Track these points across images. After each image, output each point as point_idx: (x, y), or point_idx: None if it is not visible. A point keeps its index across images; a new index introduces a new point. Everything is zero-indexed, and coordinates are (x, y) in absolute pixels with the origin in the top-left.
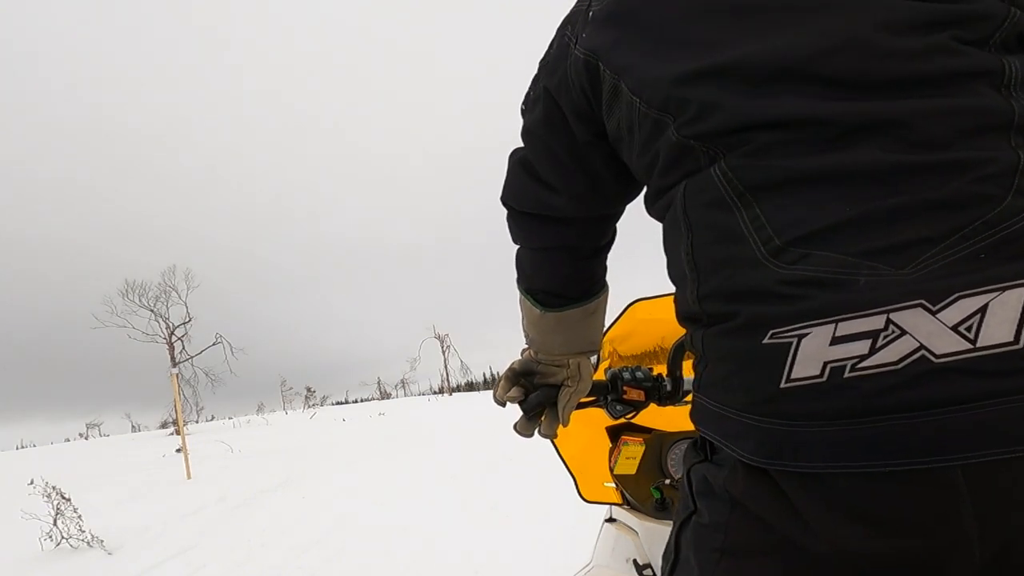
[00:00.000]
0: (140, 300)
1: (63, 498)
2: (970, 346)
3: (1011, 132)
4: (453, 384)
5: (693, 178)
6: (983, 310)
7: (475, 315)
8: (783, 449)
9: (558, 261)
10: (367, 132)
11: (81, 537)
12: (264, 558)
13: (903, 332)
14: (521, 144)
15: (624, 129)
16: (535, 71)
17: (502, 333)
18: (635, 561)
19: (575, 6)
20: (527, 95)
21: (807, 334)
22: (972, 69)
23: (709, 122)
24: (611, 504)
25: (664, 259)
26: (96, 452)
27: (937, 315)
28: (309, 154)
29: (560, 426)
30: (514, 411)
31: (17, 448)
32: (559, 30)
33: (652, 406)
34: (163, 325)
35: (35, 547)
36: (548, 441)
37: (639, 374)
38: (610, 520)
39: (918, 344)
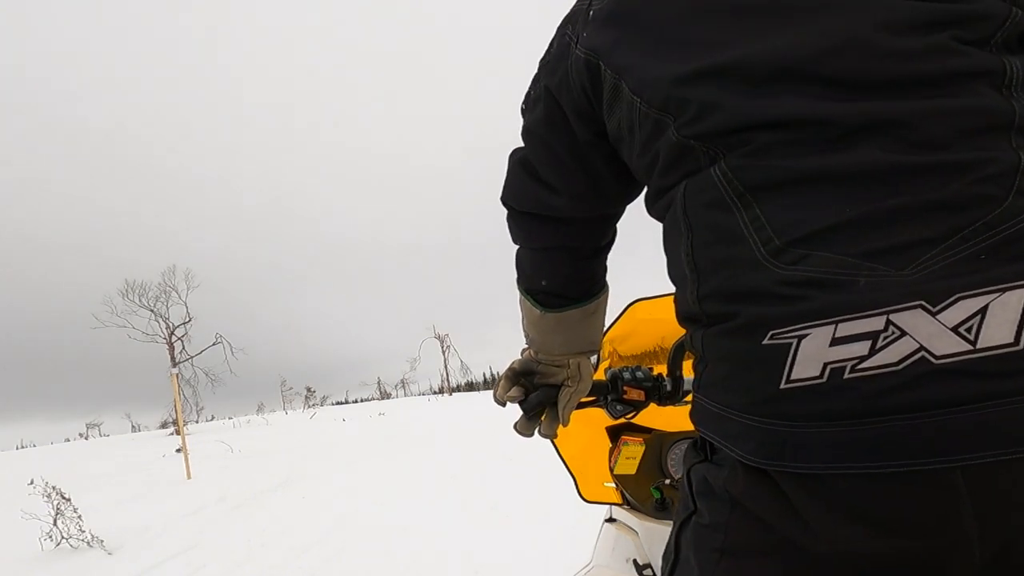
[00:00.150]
0: (140, 300)
1: (63, 498)
2: (970, 347)
3: (1012, 132)
4: (453, 384)
5: (693, 178)
6: (983, 311)
7: (475, 315)
8: (783, 450)
9: (558, 261)
10: (367, 133)
11: (81, 537)
12: (264, 558)
13: (903, 333)
14: (521, 144)
15: (624, 129)
16: (535, 71)
17: (502, 333)
18: (635, 561)
19: (575, 5)
20: (527, 94)
21: (807, 335)
22: (973, 69)
23: (709, 122)
24: (611, 504)
25: (664, 259)
26: (96, 452)
27: (937, 316)
28: (309, 155)
29: (560, 426)
30: (514, 411)
31: (17, 448)
32: (559, 29)
33: (652, 406)
34: (163, 325)
35: (35, 547)
36: (548, 441)
37: (639, 374)
38: (610, 520)
39: (918, 345)
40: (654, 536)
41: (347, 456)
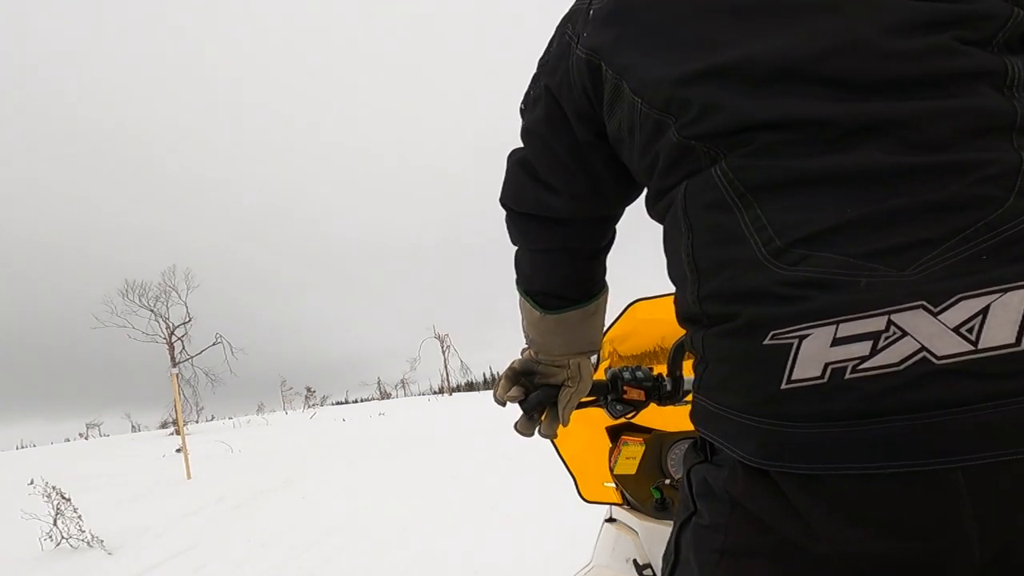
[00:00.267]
0: (140, 300)
1: (63, 498)
2: (971, 348)
3: (1013, 133)
4: (453, 384)
5: (694, 178)
6: (984, 312)
7: (475, 315)
8: (783, 450)
9: (557, 263)
10: (367, 133)
11: (81, 537)
12: (264, 558)
13: (904, 333)
14: (520, 144)
15: (625, 130)
16: (534, 70)
17: (502, 333)
18: (635, 561)
19: (575, 4)
20: (527, 94)
21: (808, 335)
22: (974, 70)
23: (710, 123)
24: (611, 504)
25: (664, 259)
26: (96, 452)
27: (938, 316)
28: (309, 155)
29: (560, 426)
30: (514, 410)
31: (17, 448)
32: (559, 28)
33: (652, 406)
34: (163, 325)
35: (35, 547)
36: (548, 441)
37: (639, 374)
38: (610, 520)
39: (919, 345)
40: (654, 536)
41: (347, 456)
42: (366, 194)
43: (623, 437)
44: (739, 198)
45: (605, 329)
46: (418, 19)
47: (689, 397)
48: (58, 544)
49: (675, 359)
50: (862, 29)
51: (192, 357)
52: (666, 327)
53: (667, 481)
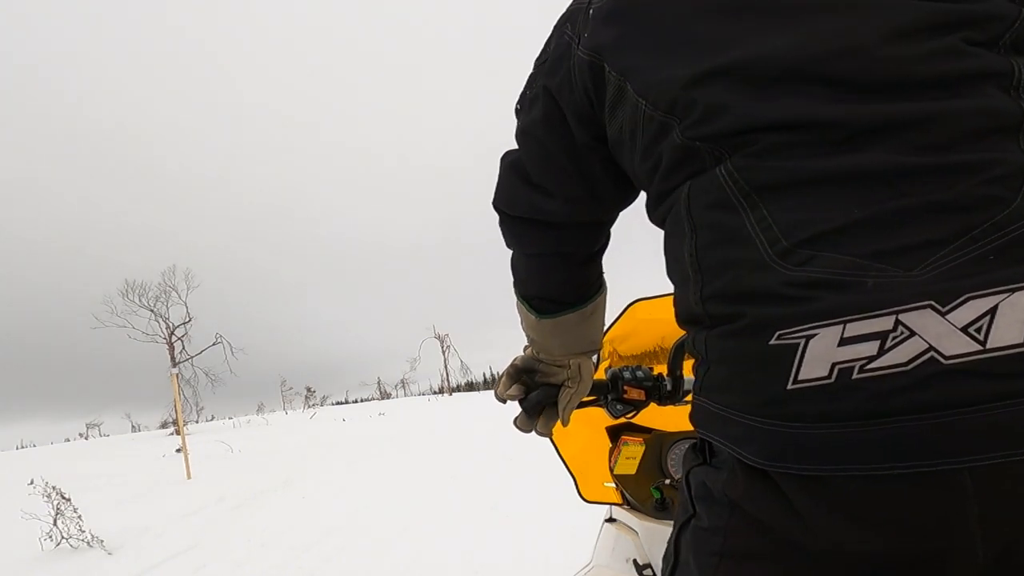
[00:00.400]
0: (140, 300)
1: (63, 498)
2: (980, 347)
3: (1019, 134)
4: (453, 384)
5: (697, 179)
6: (993, 311)
7: (475, 315)
8: (787, 451)
9: (551, 267)
10: (367, 133)
11: (81, 537)
12: (264, 558)
13: (912, 333)
14: (514, 147)
15: (626, 133)
16: (531, 71)
17: (502, 333)
18: (635, 561)
19: (573, 4)
20: (523, 95)
21: (815, 335)
22: (980, 71)
23: (716, 124)
24: (611, 504)
25: (664, 260)
26: (96, 452)
27: (946, 316)
28: (309, 155)
29: (560, 425)
30: (515, 407)
31: (17, 448)
32: (557, 28)
33: (652, 406)
34: (163, 325)
35: (35, 547)
36: (548, 441)
37: (639, 373)
38: (610, 520)
39: (927, 345)
40: (654, 536)
41: (347, 456)
42: (366, 194)
43: (623, 437)
44: (744, 198)
45: (605, 329)
46: (418, 19)
47: (689, 397)
48: (58, 544)
49: (675, 359)
50: (868, 30)
51: (192, 357)
52: (666, 327)
53: (667, 481)
